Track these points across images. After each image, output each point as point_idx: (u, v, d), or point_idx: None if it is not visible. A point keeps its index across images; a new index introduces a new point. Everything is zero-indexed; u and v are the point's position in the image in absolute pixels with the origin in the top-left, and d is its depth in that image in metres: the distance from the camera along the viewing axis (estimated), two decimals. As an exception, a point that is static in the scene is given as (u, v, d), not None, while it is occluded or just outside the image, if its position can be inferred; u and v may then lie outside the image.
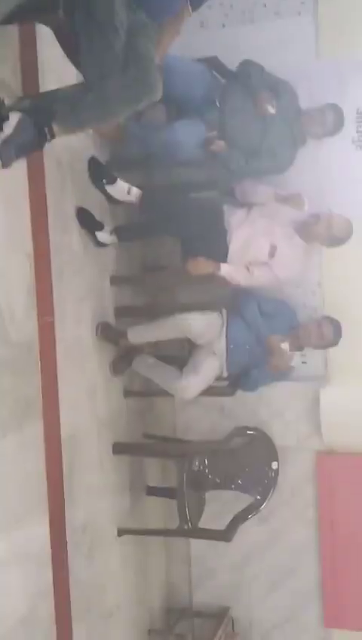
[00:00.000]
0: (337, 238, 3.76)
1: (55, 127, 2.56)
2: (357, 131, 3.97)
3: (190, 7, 2.85)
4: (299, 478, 4.17)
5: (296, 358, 3.72)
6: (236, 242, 3.73)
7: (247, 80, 3.71)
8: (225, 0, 4.11)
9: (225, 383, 3.89)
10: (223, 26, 4.08)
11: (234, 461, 4.01)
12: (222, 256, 3.73)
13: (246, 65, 3.73)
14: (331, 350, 4.04)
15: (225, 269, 3.67)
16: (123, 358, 3.85)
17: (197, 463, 3.86)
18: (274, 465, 4.01)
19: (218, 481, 3.99)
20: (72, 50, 2.74)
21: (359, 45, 3.92)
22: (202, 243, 3.66)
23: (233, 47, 3.89)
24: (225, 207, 3.76)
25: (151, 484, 4.19)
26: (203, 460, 3.89)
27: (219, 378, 3.88)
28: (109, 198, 3.54)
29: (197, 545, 4.41)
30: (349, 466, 4.07)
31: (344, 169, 3.99)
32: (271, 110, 3.61)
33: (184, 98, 3.58)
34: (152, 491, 4.18)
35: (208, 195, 3.75)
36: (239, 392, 4.06)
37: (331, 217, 3.70)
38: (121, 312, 3.84)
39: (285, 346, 3.72)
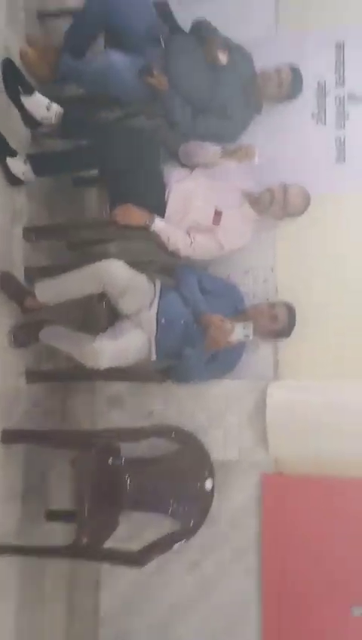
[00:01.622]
0: (293, 213, 2.98)
1: None
2: (318, 105, 3.29)
3: None
4: (240, 504, 3.06)
5: (238, 331, 2.76)
6: (175, 200, 2.94)
7: (198, 33, 3.05)
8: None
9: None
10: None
11: (157, 473, 2.91)
12: (158, 212, 2.89)
13: (198, 24, 3.09)
14: (282, 346, 3.10)
15: (160, 225, 2.83)
16: (28, 328, 2.87)
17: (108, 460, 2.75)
18: (209, 484, 2.92)
19: (136, 496, 2.85)
20: None
21: (320, 17, 3.35)
22: (134, 189, 2.83)
23: (190, 18, 3.26)
24: (164, 168, 2.96)
25: (55, 504, 3.03)
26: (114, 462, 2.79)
27: (145, 361, 2.89)
28: (24, 115, 2.74)
29: (107, 600, 3.18)
30: (303, 491, 2.98)
31: (302, 143, 3.29)
32: (223, 58, 2.94)
33: (125, 29, 2.93)
34: (54, 516, 3.01)
35: (146, 125, 2.92)
36: (171, 393, 3.05)
37: (287, 192, 2.94)
38: (32, 273, 2.90)
39: (228, 323, 2.79)
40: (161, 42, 3.03)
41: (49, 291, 2.78)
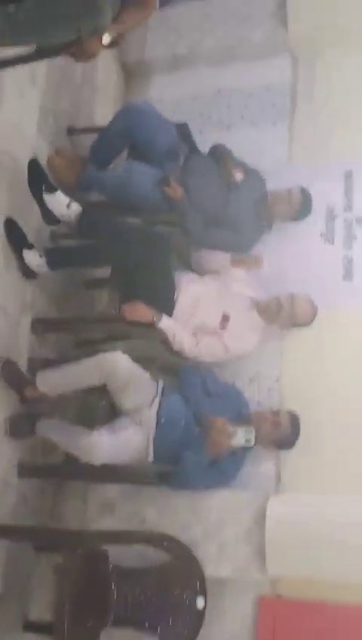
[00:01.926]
0: (300, 323, 2.99)
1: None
2: (327, 227, 3.40)
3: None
4: (233, 627, 2.79)
5: (240, 435, 2.66)
6: (184, 301, 2.96)
7: (215, 155, 3.24)
8: (205, 110, 3.82)
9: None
10: (200, 132, 3.73)
11: (146, 586, 2.68)
12: (166, 312, 2.90)
13: (216, 147, 3.29)
14: (285, 458, 2.98)
15: (166, 323, 2.82)
16: (25, 418, 2.79)
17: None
18: (200, 602, 2.68)
19: (121, 610, 2.61)
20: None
21: (330, 153, 3.56)
22: (145, 288, 2.86)
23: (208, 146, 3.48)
24: (176, 273, 3.03)
25: (35, 612, 2.78)
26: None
27: (142, 462, 2.77)
28: (45, 212, 2.83)
29: None
30: (302, 618, 2.72)
31: (310, 261, 3.35)
32: (239, 176, 3.09)
33: (148, 145, 3.10)
34: (31, 627, 2.75)
35: (160, 230, 3.00)
36: (166, 500, 2.89)
37: (294, 302, 2.97)
38: (35, 365, 2.87)
39: (231, 427, 2.70)
40: (179, 159, 3.18)
41: (50, 381, 2.71)
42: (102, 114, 3.41)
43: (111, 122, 3.17)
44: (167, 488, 2.88)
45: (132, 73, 3.98)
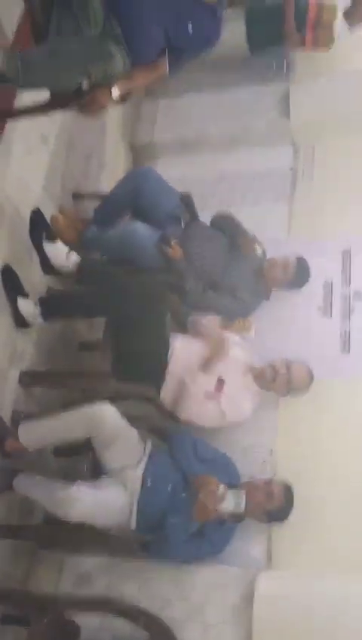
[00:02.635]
0: (297, 390, 2.85)
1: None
2: (325, 300, 3.33)
3: (167, 64, 2.53)
4: None
5: (229, 498, 2.44)
6: (177, 362, 2.83)
7: (219, 224, 3.24)
8: (208, 191, 3.86)
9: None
10: (202, 210, 3.75)
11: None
12: (158, 371, 2.77)
13: (222, 217, 3.29)
14: (277, 533, 2.74)
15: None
16: (2, 474, 2.57)
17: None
18: None
19: None
20: (40, 35, 2.34)
21: (329, 231, 3.56)
22: (138, 346, 2.73)
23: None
24: (170, 333, 2.93)
25: None
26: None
27: (123, 529, 2.53)
28: (44, 261, 2.77)
29: None
30: None
31: (307, 332, 3.26)
32: (259, 250, 3.06)
33: (151, 209, 3.09)
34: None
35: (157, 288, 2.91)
36: (146, 574, 2.63)
37: (290, 367, 2.85)
38: (19, 418, 2.70)
39: (221, 487, 2.49)
40: (181, 223, 3.15)
41: (33, 432, 2.52)
42: (108, 185, 3.42)
43: (116, 185, 3.17)
44: (148, 560, 2.60)
45: (140, 154, 4.05)
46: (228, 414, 2.80)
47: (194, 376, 2.81)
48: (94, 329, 3.16)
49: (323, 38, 3.79)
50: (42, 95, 2.56)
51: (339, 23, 3.70)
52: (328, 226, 3.61)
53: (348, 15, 3.71)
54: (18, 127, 2.74)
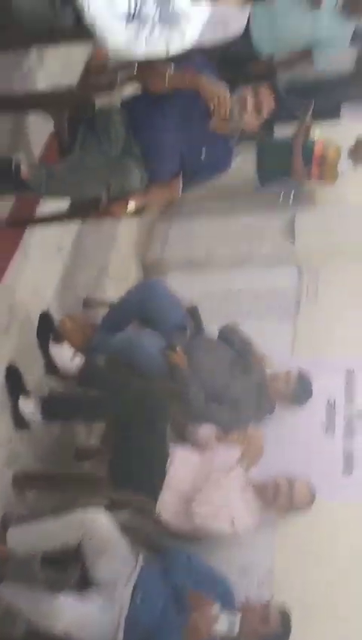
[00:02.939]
0: (299, 507, 2.79)
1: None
2: (328, 418, 3.32)
3: (181, 184, 2.72)
4: None
5: (223, 620, 2.30)
6: (176, 471, 2.78)
7: (225, 337, 3.31)
8: (214, 306, 3.97)
9: None
10: (207, 324, 3.84)
11: None
12: (157, 480, 2.72)
13: (230, 330, 3.37)
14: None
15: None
16: (-13, 580, 2.45)
17: None
18: None
19: None
20: (65, 151, 2.54)
21: (332, 350, 3.62)
22: (137, 452, 2.70)
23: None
24: (171, 445, 2.91)
25: None
26: None
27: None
28: (49, 362, 2.80)
29: None
30: None
31: (310, 451, 3.23)
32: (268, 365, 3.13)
33: (158, 319, 3.15)
34: None
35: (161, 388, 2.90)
36: None
37: (293, 486, 2.81)
38: (9, 521, 2.62)
39: (215, 608, 2.36)
40: (187, 334, 3.19)
41: (22, 536, 2.43)
42: (118, 294, 3.51)
43: (125, 294, 3.25)
44: None
45: (150, 270, 4.19)
46: (236, 522, 2.69)
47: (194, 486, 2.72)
48: (93, 434, 3.12)
49: (328, 173, 4.03)
50: (62, 204, 2.70)
51: (343, 161, 3.95)
52: (331, 346, 3.65)
53: (352, 154, 3.98)
54: (37, 234, 2.86)
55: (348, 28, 3.82)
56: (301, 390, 3.19)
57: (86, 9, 1.97)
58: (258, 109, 2.51)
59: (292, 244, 4.10)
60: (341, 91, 4.61)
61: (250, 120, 2.53)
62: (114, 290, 3.62)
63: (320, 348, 3.66)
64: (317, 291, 3.89)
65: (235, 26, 3.38)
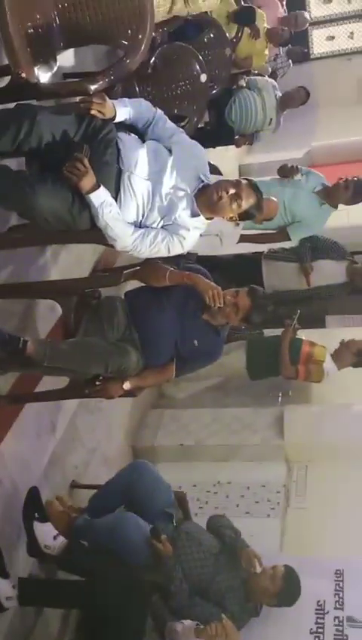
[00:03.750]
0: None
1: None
2: (316, 623, 3.19)
3: (174, 369, 2.96)
4: None
5: None
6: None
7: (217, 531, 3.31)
8: (202, 496, 4.00)
9: None
10: (196, 515, 3.82)
11: None
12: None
13: (218, 522, 3.38)
14: None
15: None
16: None
17: None
18: None
19: None
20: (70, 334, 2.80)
21: (321, 549, 3.58)
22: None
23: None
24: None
25: None
26: None
27: None
28: (31, 541, 2.77)
29: None
30: None
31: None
32: (258, 568, 3.08)
33: (145, 502, 3.17)
34: None
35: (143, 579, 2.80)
36: None
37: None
38: None
39: None
40: (173, 520, 3.16)
41: None
42: (107, 476, 3.53)
43: (115, 476, 3.27)
44: None
45: (141, 455, 4.23)
46: None
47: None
48: (68, 629, 2.94)
49: (314, 373, 4.26)
50: (61, 383, 2.86)
51: (328, 361, 4.20)
52: (320, 544, 3.58)
53: (336, 356, 4.24)
54: (33, 410, 2.97)
55: (322, 212, 3.93)
56: (288, 588, 3.07)
57: (100, 217, 2.30)
58: (236, 308, 2.83)
59: (281, 439, 4.18)
60: (328, 305, 4.96)
61: (231, 315, 2.85)
62: (103, 472, 3.63)
63: (309, 546, 3.58)
64: (306, 487, 3.90)
65: (230, 240, 3.84)
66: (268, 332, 4.45)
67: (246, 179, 2.55)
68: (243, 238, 3.98)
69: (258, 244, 4.29)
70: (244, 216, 2.53)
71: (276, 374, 4.36)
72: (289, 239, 3.98)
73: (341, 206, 4.20)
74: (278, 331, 4.28)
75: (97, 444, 3.71)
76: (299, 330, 4.26)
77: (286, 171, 4.06)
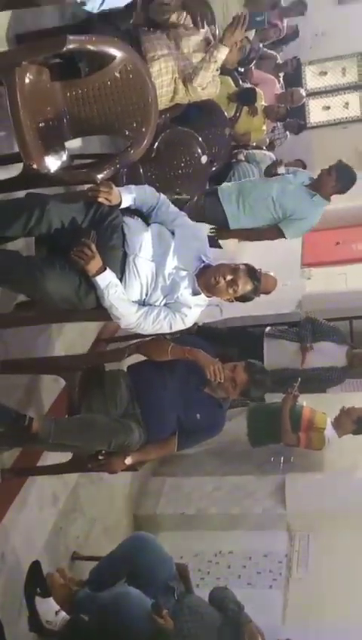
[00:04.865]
0: None
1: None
2: None
3: (176, 443, 3.05)
4: None
5: None
6: None
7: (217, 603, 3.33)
8: (203, 566, 4.01)
9: None
10: (197, 586, 3.82)
11: None
12: None
13: (221, 595, 3.40)
14: None
15: None
16: None
17: None
18: None
19: None
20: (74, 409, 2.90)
21: (324, 621, 3.57)
22: None
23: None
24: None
25: None
26: None
27: None
28: (33, 615, 2.79)
29: None
30: None
31: None
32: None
33: (147, 574, 3.18)
34: None
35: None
36: None
37: None
38: None
39: None
40: (175, 594, 3.18)
41: None
42: (109, 549, 3.55)
43: (115, 548, 3.29)
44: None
45: (142, 525, 4.25)
46: None
47: None
48: None
49: (315, 440, 4.32)
50: (64, 457, 2.93)
51: (329, 428, 4.26)
52: (324, 616, 3.56)
53: (336, 423, 4.31)
54: (36, 483, 3.03)
55: (314, 204, 3.84)
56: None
57: (106, 297, 2.43)
58: (233, 383, 2.94)
59: (282, 508, 4.21)
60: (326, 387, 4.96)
61: (229, 390, 2.97)
62: (105, 542, 3.65)
63: (312, 617, 3.57)
64: (309, 557, 3.90)
65: (230, 310, 3.98)
66: (270, 397, 4.52)
67: (246, 264, 2.69)
68: (234, 234, 4.02)
69: (249, 241, 4.31)
70: (242, 298, 2.65)
71: (277, 441, 4.41)
72: (284, 236, 3.86)
73: (339, 270, 4.29)
74: (279, 397, 4.35)
75: (98, 513, 3.75)
76: (299, 397, 4.35)
77: (271, 170, 4.13)
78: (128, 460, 2.79)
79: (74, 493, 3.46)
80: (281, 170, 4.02)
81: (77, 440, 2.61)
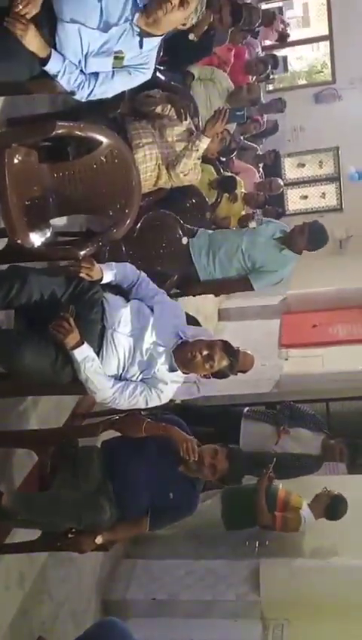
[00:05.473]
0: None
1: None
2: None
3: (148, 522, 3.02)
4: None
5: None
6: None
7: None
8: None
9: None
10: None
11: None
12: None
13: None
14: None
15: None
16: None
17: None
18: None
19: None
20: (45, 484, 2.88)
21: None
22: None
23: None
24: None
25: None
26: None
27: None
28: None
29: None
30: None
31: None
32: None
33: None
34: None
35: None
36: None
37: None
38: None
39: None
40: None
41: None
42: (75, 633, 3.39)
43: (82, 634, 3.15)
44: None
45: (111, 610, 4.09)
46: None
47: None
48: None
49: (291, 521, 4.25)
50: (33, 534, 2.86)
51: (305, 509, 4.21)
52: None
53: (312, 505, 4.26)
54: (3, 560, 2.94)
55: (284, 258, 3.84)
56: None
57: (82, 371, 2.45)
58: (213, 469, 2.94)
59: (256, 595, 4.09)
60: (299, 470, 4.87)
61: (208, 476, 2.97)
62: (71, 628, 3.50)
63: None
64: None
65: (208, 387, 4.00)
66: (245, 478, 4.47)
67: (222, 341, 2.74)
68: (205, 287, 4.03)
69: (218, 295, 4.25)
70: (218, 374, 2.69)
71: (252, 525, 4.34)
72: (253, 289, 3.88)
73: (316, 352, 4.32)
74: (254, 478, 4.31)
75: (66, 597, 3.61)
76: (274, 478, 4.31)
77: (244, 221, 4.15)
78: (98, 539, 2.73)
79: (41, 574, 3.35)
80: (252, 225, 4.13)
81: (46, 516, 2.56)
